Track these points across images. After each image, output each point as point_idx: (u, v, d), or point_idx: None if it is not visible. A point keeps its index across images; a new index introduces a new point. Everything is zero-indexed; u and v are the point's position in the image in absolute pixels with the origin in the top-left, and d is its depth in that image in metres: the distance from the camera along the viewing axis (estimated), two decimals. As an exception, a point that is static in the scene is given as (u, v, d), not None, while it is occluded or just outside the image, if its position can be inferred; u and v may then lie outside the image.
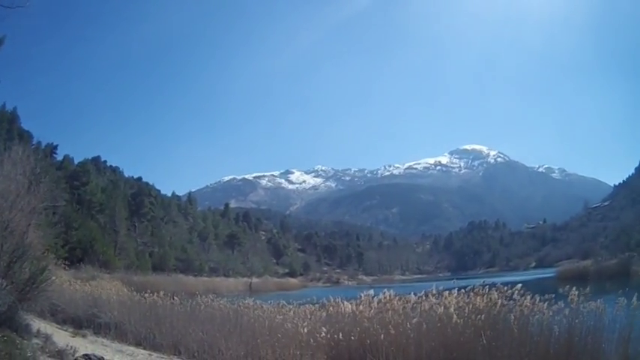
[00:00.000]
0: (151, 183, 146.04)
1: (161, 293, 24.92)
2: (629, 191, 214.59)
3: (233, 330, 18.67)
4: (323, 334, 15.10)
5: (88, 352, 14.40)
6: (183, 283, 75.75)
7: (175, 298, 23.57)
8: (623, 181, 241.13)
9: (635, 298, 12.49)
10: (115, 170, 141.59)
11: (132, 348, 19.58)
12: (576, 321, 13.02)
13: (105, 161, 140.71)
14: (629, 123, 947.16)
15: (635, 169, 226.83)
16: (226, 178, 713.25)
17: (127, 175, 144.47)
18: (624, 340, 12.55)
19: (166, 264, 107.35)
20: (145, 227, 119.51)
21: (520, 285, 14.35)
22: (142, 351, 19.09)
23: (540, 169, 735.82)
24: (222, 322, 19.66)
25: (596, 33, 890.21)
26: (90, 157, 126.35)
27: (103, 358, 13.80)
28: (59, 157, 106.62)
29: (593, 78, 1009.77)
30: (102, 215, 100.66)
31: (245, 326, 18.77)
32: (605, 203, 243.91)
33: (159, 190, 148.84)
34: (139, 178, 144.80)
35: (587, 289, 13.27)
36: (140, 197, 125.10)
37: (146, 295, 25.37)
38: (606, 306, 13.03)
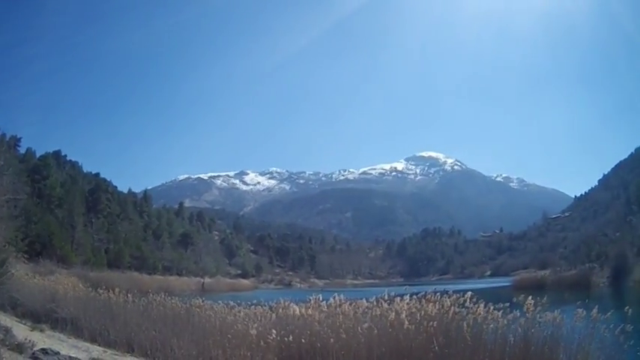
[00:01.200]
0: (108, 179, 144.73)
1: (116, 290, 24.69)
2: (590, 203, 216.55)
3: (185, 329, 18.66)
4: (273, 336, 14.91)
5: (46, 346, 14.49)
6: (137, 281, 75.50)
7: (129, 295, 23.50)
8: (585, 192, 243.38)
9: (595, 310, 12.75)
10: (74, 165, 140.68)
11: (87, 344, 19.51)
12: (532, 330, 13.17)
13: (65, 155, 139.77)
14: (592, 136, 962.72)
15: (599, 181, 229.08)
16: (182, 177, 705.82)
17: (85, 171, 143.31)
18: (584, 352, 12.73)
19: (121, 261, 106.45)
20: (102, 223, 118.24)
21: (470, 293, 14.49)
22: (97, 347, 18.98)
23: (498, 179, 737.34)
24: (174, 321, 19.74)
25: (559, 45, 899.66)
26: (51, 151, 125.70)
27: (59, 353, 13.91)
28: (22, 150, 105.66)
29: (555, 90, 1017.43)
30: (60, 210, 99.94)
31: (196, 326, 18.84)
32: (566, 214, 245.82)
33: (116, 187, 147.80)
34: (97, 174, 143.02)
35: (544, 298, 13.47)
36: (97, 193, 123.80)
37: (101, 291, 25.32)
38: (564, 316, 13.24)
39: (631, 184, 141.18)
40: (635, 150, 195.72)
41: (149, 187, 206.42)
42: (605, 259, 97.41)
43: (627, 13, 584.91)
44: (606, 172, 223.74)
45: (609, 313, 12.88)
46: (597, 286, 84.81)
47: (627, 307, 12.60)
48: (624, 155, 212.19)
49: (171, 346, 17.70)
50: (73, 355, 11.37)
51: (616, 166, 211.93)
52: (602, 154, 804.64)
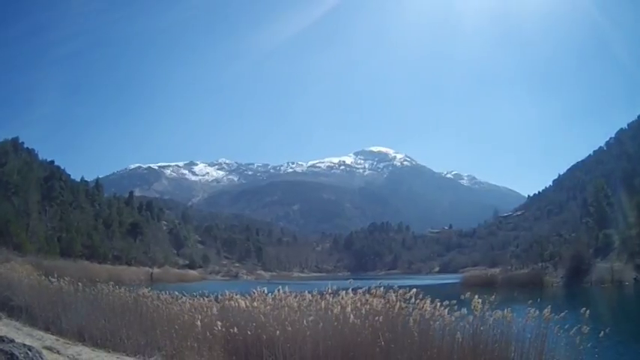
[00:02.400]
0: (62, 167, 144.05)
1: (67, 279, 24.52)
2: (544, 203, 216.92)
3: (134, 319, 18.59)
4: (218, 328, 14.97)
5: (2, 334, 14.61)
6: (88, 270, 74.45)
7: (79, 284, 23.22)
8: (539, 192, 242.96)
9: (548, 310, 12.70)
10: (30, 152, 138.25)
11: (41, 332, 19.41)
12: (482, 328, 13.10)
13: (22, 143, 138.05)
14: (547, 136, 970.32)
15: (553, 181, 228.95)
16: (132, 166, 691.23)
17: (40, 158, 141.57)
18: (537, 351, 12.78)
19: (73, 250, 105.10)
20: (55, 212, 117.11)
21: (415, 289, 14.41)
22: (51, 336, 18.84)
23: (448, 175, 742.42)
24: (123, 311, 19.58)
25: (514, 45, 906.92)
26: (9, 139, 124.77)
27: (14, 340, 14.04)
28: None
29: (509, 90, 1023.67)
30: (16, 197, 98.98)
31: (145, 316, 18.78)
32: (518, 213, 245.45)
33: (69, 175, 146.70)
34: (52, 162, 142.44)
35: (494, 296, 13.37)
36: (52, 181, 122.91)
37: (53, 280, 25.02)
38: (515, 315, 13.18)
39: (588, 185, 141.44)
40: (594, 152, 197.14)
41: (101, 176, 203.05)
42: (560, 260, 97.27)
43: (583, 16, 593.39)
44: (561, 173, 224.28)
45: (563, 314, 12.96)
46: (550, 286, 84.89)
47: (585, 309, 12.69)
48: (581, 157, 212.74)
49: (120, 336, 17.70)
50: (27, 343, 11.54)
51: (572, 167, 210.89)
52: (558, 154, 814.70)
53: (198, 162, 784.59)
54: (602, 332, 13.02)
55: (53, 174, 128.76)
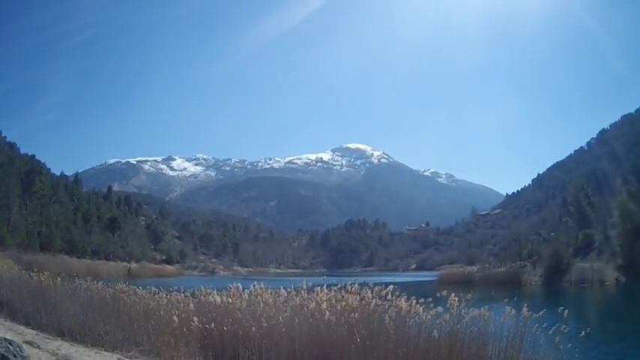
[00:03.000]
0: (43, 161, 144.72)
1: (46, 274, 24.29)
2: (523, 201, 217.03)
3: (111, 314, 18.55)
4: (195, 323, 14.64)
5: (-16, 329, 14.63)
6: (67, 264, 74.73)
7: (58, 279, 23.15)
8: (518, 190, 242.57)
9: (525, 308, 12.48)
10: (12, 146, 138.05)
11: (22, 327, 19.32)
12: (458, 326, 12.93)
13: (5, 137, 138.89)
14: (526, 136, 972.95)
15: (533, 180, 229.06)
16: (111, 161, 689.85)
17: (22, 152, 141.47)
18: (515, 350, 12.62)
19: (52, 244, 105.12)
20: (35, 206, 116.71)
21: (392, 286, 14.21)
22: (31, 331, 18.77)
23: (426, 173, 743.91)
24: (101, 306, 19.58)
25: (495, 45, 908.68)
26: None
27: (-5, 334, 14.07)
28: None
29: (488, 89, 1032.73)
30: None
31: (122, 311, 18.72)
32: (496, 211, 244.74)
33: (49, 169, 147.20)
34: (33, 156, 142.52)
35: (470, 294, 13.34)
36: (32, 175, 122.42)
37: (33, 274, 25.02)
38: (492, 313, 13.08)
39: (569, 185, 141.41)
40: (574, 152, 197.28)
41: (80, 170, 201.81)
42: (538, 259, 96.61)
43: (567, 17, 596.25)
44: (541, 172, 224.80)
45: (541, 312, 12.52)
46: (529, 285, 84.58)
47: (562, 308, 12.46)
48: (561, 157, 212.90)
49: (98, 330, 17.67)
50: (8, 337, 11.64)
51: (552, 166, 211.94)
52: (537, 154, 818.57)
53: (176, 157, 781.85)
54: (583, 332, 13.10)
55: (34, 168, 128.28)
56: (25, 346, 11.71)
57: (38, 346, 15.21)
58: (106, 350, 16.45)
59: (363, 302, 13.98)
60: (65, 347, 16.13)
